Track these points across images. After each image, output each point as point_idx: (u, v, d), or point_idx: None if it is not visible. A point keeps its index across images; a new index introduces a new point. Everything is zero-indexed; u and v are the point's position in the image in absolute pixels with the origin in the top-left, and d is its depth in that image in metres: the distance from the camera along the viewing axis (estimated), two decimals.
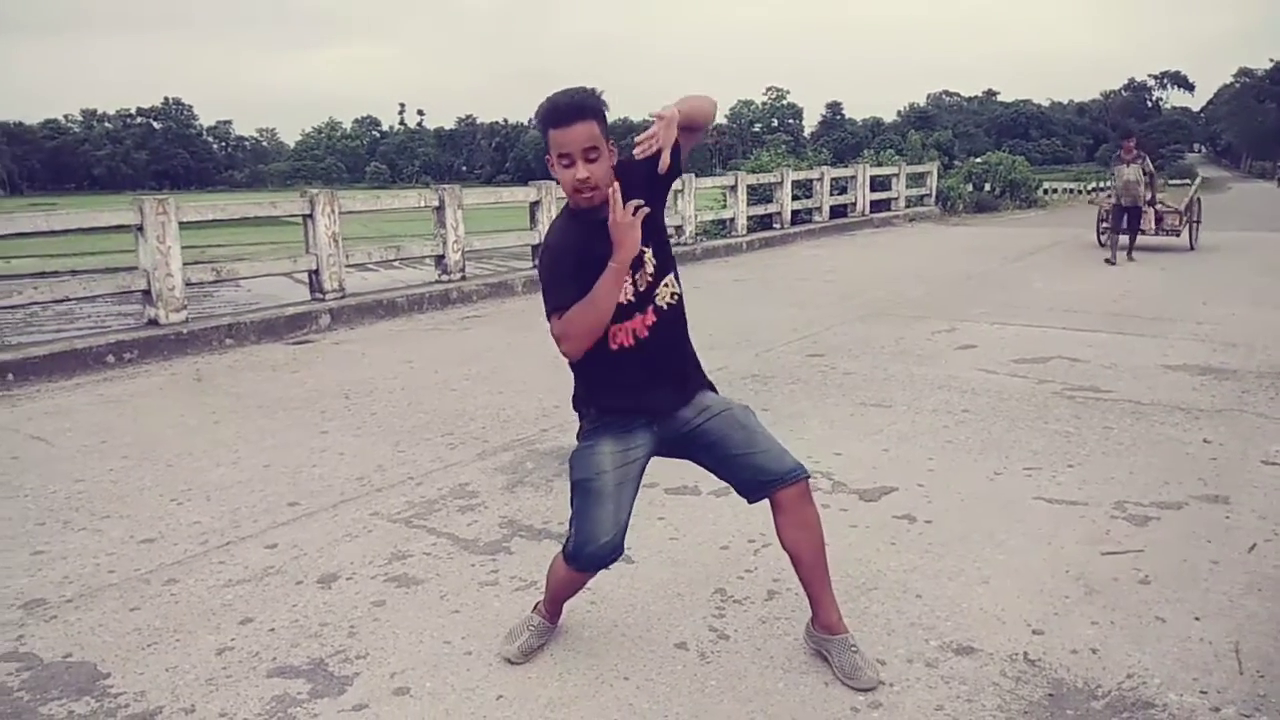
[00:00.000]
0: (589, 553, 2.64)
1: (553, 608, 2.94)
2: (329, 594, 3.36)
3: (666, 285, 2.62)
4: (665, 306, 2.61)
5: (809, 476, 2.66)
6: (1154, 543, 3.61)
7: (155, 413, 6.02)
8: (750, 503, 2.73)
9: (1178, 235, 13.94)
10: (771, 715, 2.56)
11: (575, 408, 2.76)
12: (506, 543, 3.77)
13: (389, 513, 4.13)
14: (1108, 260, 12.36)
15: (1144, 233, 13.10)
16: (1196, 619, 3.02)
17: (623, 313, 2.54)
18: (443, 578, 3.47)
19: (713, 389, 2.77)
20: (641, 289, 2.57)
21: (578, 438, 2.74)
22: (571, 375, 2.72)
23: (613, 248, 2.41)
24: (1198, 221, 14.44)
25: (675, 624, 3.07)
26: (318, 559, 3.67)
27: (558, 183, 2.53)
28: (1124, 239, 13.05)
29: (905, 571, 3.41)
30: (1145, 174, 12.70)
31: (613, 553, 2.65)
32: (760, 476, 2.62)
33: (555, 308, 2.50)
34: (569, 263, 2.50)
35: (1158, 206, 13.61)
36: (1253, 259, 12.88)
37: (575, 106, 2.43)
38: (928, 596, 3.21)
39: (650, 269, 2.58)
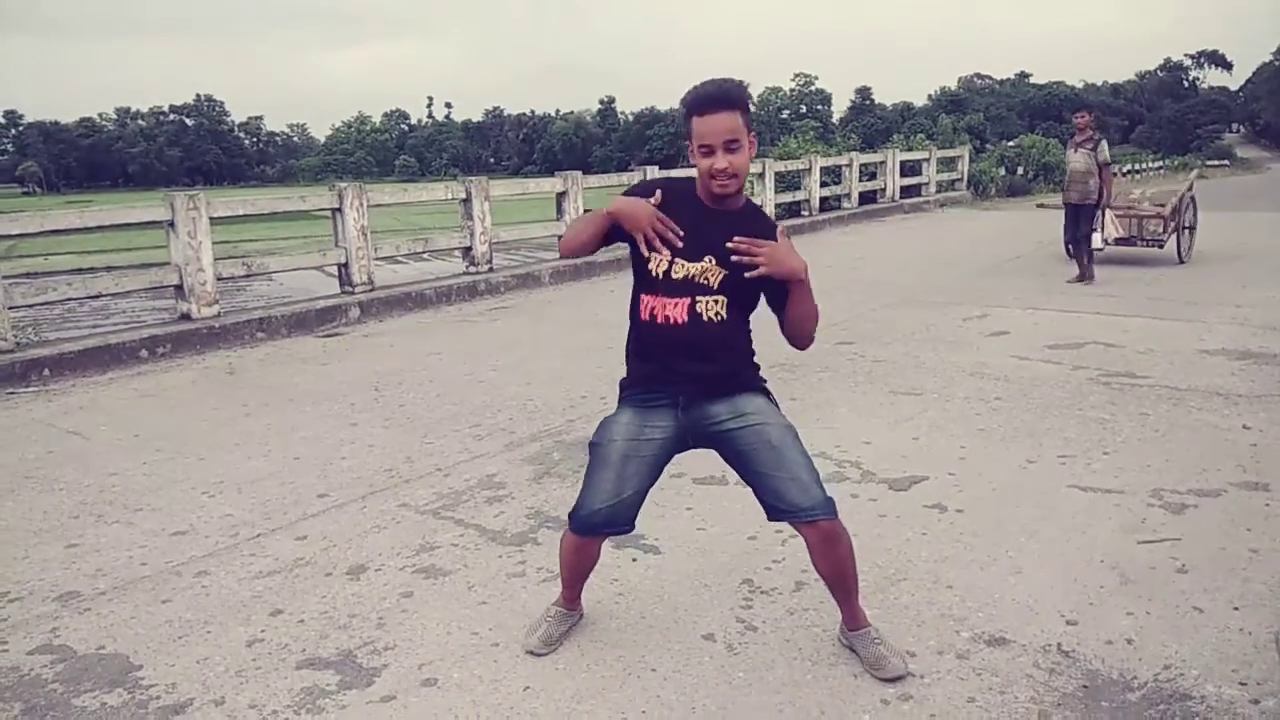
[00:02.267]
0: (579, 516, 2.67)
1: (567, 590, 2.93)
2: (358, 585, 3.38)
3: (715, 302, 2.51)
4: (706, 319, 2.51)
5: (834, 517, 2.53)
6: (1192, 531, 3.54)
7: (188, 406, 6.08)
8: (769, 520, 2.64)
9: (1160, 246, 10.68)
10: (800, 707, 2.54)
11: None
12: (533, 534, 3.77)
13: (417, 504, 4.14)
14: (1076, 279, 9.48)
15: (1106, 243, 10.07)
16: (1235, 609, 2.96)
17: (649, 285, 2.55)
18: (470, 569, 3.48)
19: (765, 394, 2.68)
20: (676, 275, 2.50)
21: None
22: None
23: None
24: (1190, 227, 11.11)
25: (702, 615, 3.05)
26: (347, 550, 3.68)
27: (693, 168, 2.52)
28: (1110, 249, 10.46)
29: (936, 562, 3.36)
30: (1097, 164, 9.33)
31: (605, 523, 2.64)
32: (779, 503, 2.54)
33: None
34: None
35: (1134, 208, 10.93)
36: None
37: (720, 95, 2.43)
38: (959, 587, 3.16)
39: (701, 272, 2.49)
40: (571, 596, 2.95)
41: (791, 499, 2.51)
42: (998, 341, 6.94)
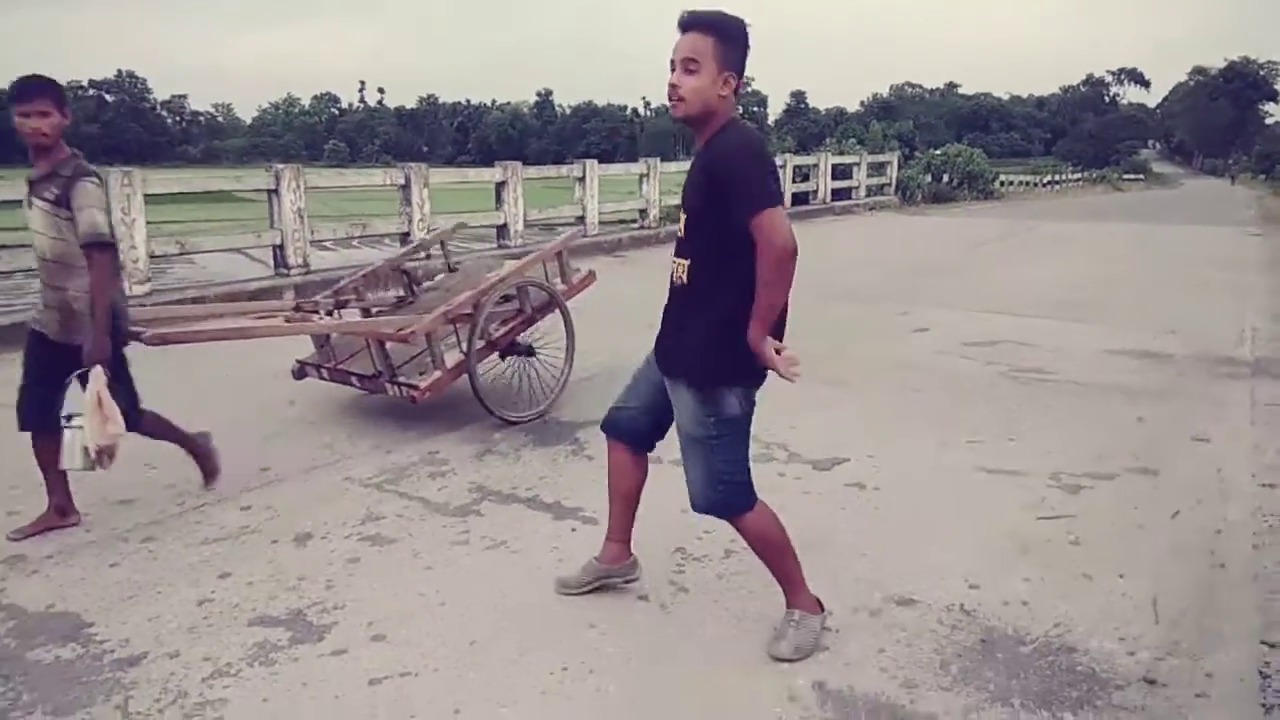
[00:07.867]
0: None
1: (611, 525, 3.13)
2: (305, 551, 3.50)
3: (682, 260, 2.64)
4: (674, 281, 2.69)
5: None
6: (1086, 509, 3.86)
7: None
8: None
9: (414, 398, 4.70)
10: (725, 659, 2.75)
11: None
12: (476, 506, 3.92)
13: (361, 478, 4.26)
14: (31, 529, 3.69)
15: (93, 462, 3.43)
16: (1121, 576, 3.26)
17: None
18: (415, 537, 3.62)
19: (700, 392, 2.72)
20: (680, 234, 2.71)
21: None
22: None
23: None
24: (527, 352, 5.43)
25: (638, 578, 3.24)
26: (292, 520, 3.79)
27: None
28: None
29: (854, 533, 3.62)
30: (79, 241, 3.38)
31: (609, 423, 3.01)
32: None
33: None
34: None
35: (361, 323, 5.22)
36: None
37: (692, 17, 2.47)
38: (874, 555, 3.42)
39: (681, 225, 2.69)
40: (613, 534, 3.10)
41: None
42: (920, 337, 7.28)
